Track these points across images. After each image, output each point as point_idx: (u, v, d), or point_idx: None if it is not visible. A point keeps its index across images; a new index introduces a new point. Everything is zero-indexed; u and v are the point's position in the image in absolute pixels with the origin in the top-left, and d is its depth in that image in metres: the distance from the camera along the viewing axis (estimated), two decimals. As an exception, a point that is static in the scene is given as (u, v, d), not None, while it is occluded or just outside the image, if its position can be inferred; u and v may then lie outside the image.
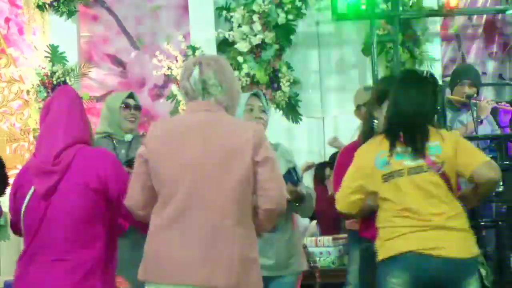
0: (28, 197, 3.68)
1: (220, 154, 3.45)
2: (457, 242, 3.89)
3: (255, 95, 4.54)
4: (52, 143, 3.68)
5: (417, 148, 3.94)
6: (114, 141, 5.38)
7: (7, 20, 8.14)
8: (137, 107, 5.53)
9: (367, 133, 4.51)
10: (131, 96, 5.54)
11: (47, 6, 7.97)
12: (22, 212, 3.69)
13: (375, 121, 4.43)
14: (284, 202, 3.55)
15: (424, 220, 3.88)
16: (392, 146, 3.96)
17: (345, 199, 4.11)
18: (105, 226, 3.72)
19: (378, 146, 4.02)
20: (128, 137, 5.42)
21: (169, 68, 7.98)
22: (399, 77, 4.30)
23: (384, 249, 3.95)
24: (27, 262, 3.65)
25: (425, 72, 4.23)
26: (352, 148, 4.57)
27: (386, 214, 3.98)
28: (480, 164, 3.97)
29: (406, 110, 4.01)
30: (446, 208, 3.91)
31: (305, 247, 5.89)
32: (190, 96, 3.60)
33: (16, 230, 3.86)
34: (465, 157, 3.98)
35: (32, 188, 3.67)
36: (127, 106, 5.45)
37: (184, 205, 3.42)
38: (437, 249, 3.85)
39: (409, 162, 3.93)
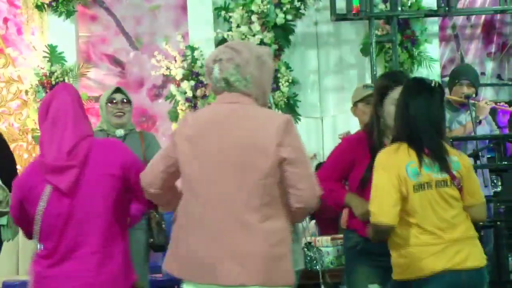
0: (45, 197, 3.63)
1: (240, 149, 3.38)
2: (475, 250, 3.93)
3: None
4: (62, 139, 3.66)
5: (443, 161, 3.91)
6: (109, 137, 5.40)
7: (5, 20, 8.15)
8: (125, 101, 5.53)
9: (370, 126, 4.51)
10: (118, 90, 5.56)
11: (45, 6, 7.98)
12: (40, 214, 3.64)
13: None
14: (315, 201, 3.46)
15: (449, 233, 3.87)
16: (420, 157, 3.88)
17: (390, 211, 3.86)
18: (126, 215, 3.77)
19: (406, 155, 3.90)
20: (120, 132, 5.45)
21: (167, 68, 7.99)
22: (408, 86, 4.15)
23: (412, 268, 3.86)
24: (60, 260, 3.63)
25: (433, 82, 4.14)
26: (356, 139, 4.57)
27: (411, 229, 3.88)
28: (480, 203, 4.02)
29: (424, 122, 3.95)
30: (462, 218, 3.93)
31: (305, 247, 5.86)
32: (216, 91, 3.55)
33: (29, 234, 3.79)
34: (473, 187, 4.00)
35: (49, 188, 3.63)
36: (112, 101, 5.49)
37: (207, 204, 3.40)
38: (465, 262, 3.86)
39: (436, 175, 3.88)
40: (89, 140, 3.71)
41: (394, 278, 3.95)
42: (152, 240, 5.37)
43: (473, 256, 3.90)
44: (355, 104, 5.49)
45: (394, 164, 3.88)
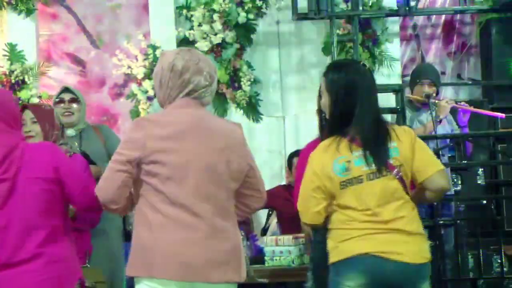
0: None
1: (219, 153, 3.58)
2: (413, 246, 3.84)
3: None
4: None
5: (376, 152, 3.83)
6: (66, 137, 5.36)
7: (-36, 18, 8.07)
8: (73, 100, 5.51)
9: (320, 129, 4.51)
10: (66, 90, 5.53)
11: (5, 4, 7.89)
12: None
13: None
14: (265, 201, 3.83)
15: (382, 223, 3.81)
16: (350, 151, 3.83)
17: (312, 210, 3.92)
18: (63, 218, 3.75)
19: (335, 151, 3.86)
20: (71, 132, 5.42)
21: (129, 67, 7.95)
22: (328, 68, 4.09)
23: (338, 250, 3.86)
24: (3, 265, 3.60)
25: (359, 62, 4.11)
26: (313, 147, 4.57)
27: (342, 216, 3.86)
28: (435, 173, 3.89)
29: (354, 105, 3.87)
30: (404, 212, 3.84)
31: None
32: (176, 93, 3.64)
33: None
34: (421, 162, 3.88)
35: None
36: (60, 101, 5.46)
37: (185, 204, 3.51)
38: (394, 253, 3.78)
39: (368, 167, 3.82)
40: (21, 147, 3.68)
41: (329, 263, 3.93)
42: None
43: (411, 251, 3.82)
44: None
45: (320, 162, 3.89)
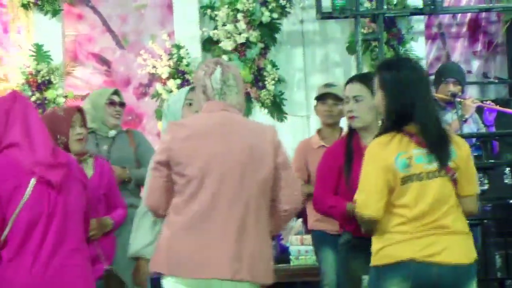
0: (29, 189, 3.65)
1: (243, 154, 3.64)
2: (460, 247, 3.83)
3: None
4: (43, 140, 3.73)
5: (439, 152, 3.81)
6: (97, 137, 5.39)
7: (-9, 19, 8.14)
8: (122, 104, 5.55)
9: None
10: (116, 93, 5.55)
11: (31, 4, 7.95)
12: (21, 204, 3.65)
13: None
14: (301, 201, 3.83)
15: (430, 223, 3.79)
16: (411, 148, 3.81)
17: (375, 204, 3.83)
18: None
19: (398, 146, 3.83)
20: (112, 133, 5.44)
21: (153, 66, 7.98)
22: (380, 66, 4.09)
23: (382, 254, 3.83)
24: (46, 255, 3.65)
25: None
26: (339, 145, 4.56)
27: (391, 216, 3.83)
28: (472, 194, 3.92)
29: (417, 102, 3.84)
30: (452, 213, 3.83)
31: None
32: (208, 96, 3.74)
33: None
34: (466, 177, 3.89)
35: (32, 180, 3.66)
36: (112, 103, 5.47)
37: (208, 204, 3.59)
38: (440, 256, 3.77)
39: (428, 166, 3.80)
40: (58, 147, 3.88)
41: (370, 265, 3.91)
42: None
43: (456, 251, 3.80)
44: (316, 102, 5.57)
45: (383, 156, 3.84)
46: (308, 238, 6.19)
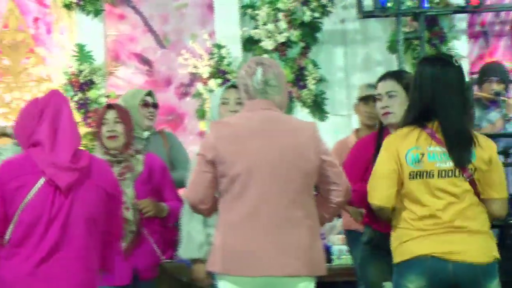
0: (35, 189, 3.66)
1: (286, 151, 3.70)
2: (477, 245, 3.81)
3: (233, 86, 4.54)
4: (66, 141, 3.74)
5: (459, 155, 3.81)
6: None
7: (35, 19, 8.20)
8: (155, 105, 5.56)
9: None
10: (149, 94, 5.57)
11: (73, 5, 8.02)
12: (24, 202, 3.66)
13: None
14: (350, 193, 3.90)
15: (445, 222, 3.78)
16: (428, 144, 3.83)
17: (383, 192, 3.89)
18: (103, 227, 3.84)
19: (413, 140, 3.85)
20: (146, 134, 5.45)
21: (194, 66, 8.01)
22: (418, 62, 4.13)
23: (400, 251, 3.85)
24: (40, 261, 3.64)
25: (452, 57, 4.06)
26: (370, 139, 4.56)
27: (406, 213, 3.85)
28: (499, 199, 3.90)
29: (442, 98, 3.86)
30: (469, 213, 3.81)
31: None
32: (250, 95, 3.81)
33: None
34: (492, 180, 3.87)
35: (41, 180, 3.67)
36: (146, 104, 5.48)
37: (256, 201, 3.65)
38: (456, 254, 3.76)
39: (441, 164, 3.81)
40: (86, 152, 3.84)
41: (393, 263, 3.93)
42: None
43: (474, 250, 3.78)
44: (357, 102, 5.54)
45: (396, 147, 3.88)
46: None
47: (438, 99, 3.85)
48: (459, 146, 3.82)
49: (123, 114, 4.71)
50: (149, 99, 5.53)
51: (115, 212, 3.90)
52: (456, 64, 3.96)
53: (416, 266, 3.79)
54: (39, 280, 3.62)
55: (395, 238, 3.91)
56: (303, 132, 3.78)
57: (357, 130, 5.78)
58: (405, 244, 3.84)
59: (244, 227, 3.66)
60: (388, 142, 3.97)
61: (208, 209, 3.83)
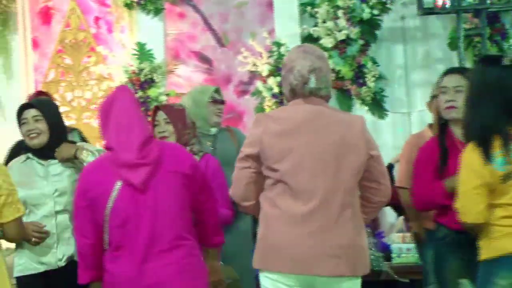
0: (115, 192, 3.72)
1: (334, 147, 3.60)
2: None
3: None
4: (132, 138, 3.76)
5: None
6: (199, 134, 5.40)
7: (96, 19, 8.31)
8: (223, 102, 5.58)
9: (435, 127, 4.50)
10: (217, 91, 5.59)
11: (134, 4, 8.10)
12: (109, 207, 3.72)
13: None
14: (390, 195, 3.80)
15: None
16: (507, 145, 3.79)
17: (475, 208, 3.81)
18: (191, 214, 3.87)
19: (496, 144, 3.81)
20: (214, 130, 5.47)
21: (254, 64, 8.03)
22: (478, 63, 4.14)
23: (490, 248, 3.80)
24: (140, 256, 3.69)
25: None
26: (433, 144, 4.51)
27: (500, 212, 3.79)
28: None
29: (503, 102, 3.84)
30: None
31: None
32: (297, 96, 3.72)
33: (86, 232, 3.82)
34: None
35: (119, 183, 3.72)
36: (215, 100, 5.48)
37: (304, 199, 3.56)
38: None
39: None
40: (155, 141, 3.85)
41: (478, 260, 3.88)
42: None
43: None
44: (432, 99, 5.46)
45: (477, 158, 3.81)
46: (409, 236, 6.13)
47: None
48: None
49: (172, 115, 4.77)
50: (217, 96, 5.54)
51: (202, 188, 3.87)
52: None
53: (507, 263, 3.73)
54: (146, 277, 3.68)
55: (484, 235, 3.85)
56: (353, 126, 3.66)
57: (430, 125, 5.73)
58: (495, 240, 3.79)
59: (289, 224, 3.57)
60: (466, 157, 3.88)
61: (252, 206, 3.75)
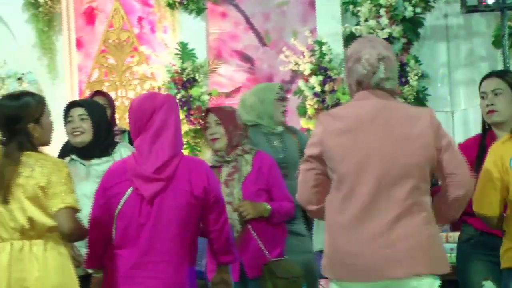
0: (125, 196, 3.78)
1: (403, 143, 3.41)
2: None
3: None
4: (159, 155, 3.79)
5: None
6: (265, 133, 5.31)
7: (139, 19, 8.38)
8: (287, 99, 5.53)
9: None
10: (282, 88, 5.50)
11: (177, 4, 8.15)
12: (117, 209, 3.78)
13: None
14: (473, 185, 3.53)
15: None
16: None
17: (488, 201, 3.80)
18: (195, 228, 3.87)
19: None
20: (279, 129, 5.36)
21: (296, 63, 8.03)
22: None
23: (508, 256, 3.78)
24: (132, 261, 3.75)
25: None
26: (473, 142, 4.48)
27: None
28: None
29: None
30: None
31: None
32: (362, 88, 3.53)
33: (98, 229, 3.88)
34: None
35: (131, 188, 3.78)
36: (281, 98, 5.38)
37: (370, 201, 3.38)
38: None
39: None
40: (179, 158, 3.84)
41: (501, 267, 3.84)
42: None
43: None
44: None
45: (499, 154, 3.80)
46: (453, 235, 6.09)
47: None
48: None
49: (223, 116, 4.78)
50: (282, 93, 5.46)
51: (212, 209, 3.87)
52: None
53: None
54: (131, 283, 3.75)
55: (508, 241, 3.82)
56: (419, 121, 3.42)
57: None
58: None
59: (356, 229, 3.37)
60: (491, 149, 3.88)
61: (318, 210, 3.57)
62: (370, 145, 3.40)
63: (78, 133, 4.69)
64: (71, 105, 4.77)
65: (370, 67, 3.49)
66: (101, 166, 4.66)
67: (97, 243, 3.88)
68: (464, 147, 4.49)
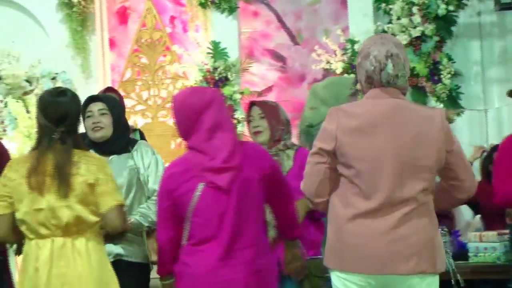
0: (198, 193, 3.78)
1: (413, 144, 3.46)
2: None
3: None
4: (222, 146, 3.81)
5: None
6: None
7: (172, 18, 8.43)
8: (358, 94, 5.50)
9: None
10: (354, 83, 5.46)
11: (209, 3, 8.17)
12: (192, 206, 3.79)
13: None
14: (474, 190, 3.60)
15: None
16: None
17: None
18: (264, 209, 3.94)
19: None
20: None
21: (328, 62, 8.01)
22: None
23: None
24: (221, 251, 3.77)
25: None
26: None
27: None
28: None
29: None
30: None
31: None
32: (373, 85, 3.57)
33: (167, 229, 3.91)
34: None
35: (201, 184, 3.78)
36: (354, 93, 5.31)
37: (381, 198, 3.45)
38: None
39: None
40: (240, 145, 3.88)
41: None
42: None
43: None
44: None
45: None
46: (486, 235, 6.05)
47: None
48: None
49: (267, 110, 4.82)
50: (355, 88, 5.42)
51: (280, 186, 3.94)
52: None
53: None
54: (223, 273, 3.76)
55: None
56: (431, 122, 3.49)
57: None
58: None
59: (366, 224, 3.46)
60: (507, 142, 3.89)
61: (324, 203, 3.63)
62: (384, 143, 3.45)
63: (98, 128, 4.63)
64: (90, 100, 4.69)
65: (378, 63, 3.52)
66: (118, 161, 4.64)
67: (169, 247, 3.89)
68: (507, 145, 4.47)
